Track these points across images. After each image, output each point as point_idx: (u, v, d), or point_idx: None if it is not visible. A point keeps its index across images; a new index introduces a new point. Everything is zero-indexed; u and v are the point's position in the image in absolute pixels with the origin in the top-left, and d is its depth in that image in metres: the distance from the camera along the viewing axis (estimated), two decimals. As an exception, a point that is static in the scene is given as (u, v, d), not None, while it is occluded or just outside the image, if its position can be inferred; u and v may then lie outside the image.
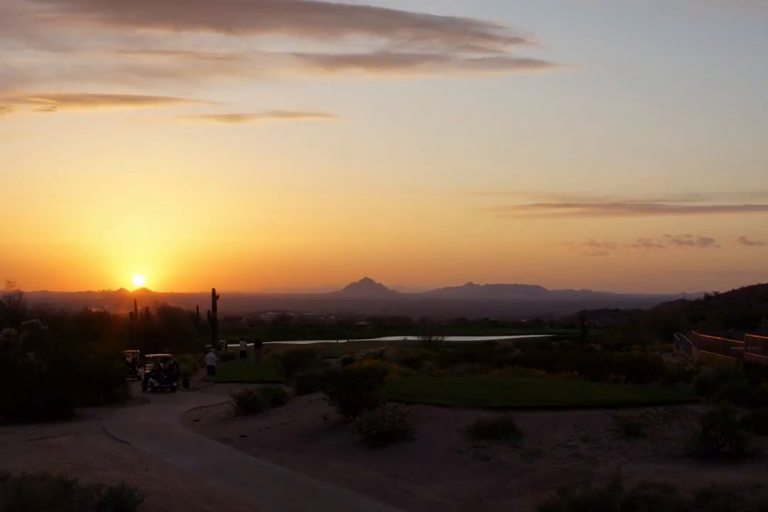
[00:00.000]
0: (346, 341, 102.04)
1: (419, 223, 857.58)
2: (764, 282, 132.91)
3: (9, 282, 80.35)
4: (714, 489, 14.63)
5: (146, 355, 51.81)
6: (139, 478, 18.68)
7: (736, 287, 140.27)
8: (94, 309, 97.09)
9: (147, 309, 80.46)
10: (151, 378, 46.01)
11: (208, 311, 71.87)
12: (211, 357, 56.90)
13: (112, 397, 37.94)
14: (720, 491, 14.58)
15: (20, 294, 77.42)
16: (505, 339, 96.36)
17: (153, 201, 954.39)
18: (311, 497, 18.22)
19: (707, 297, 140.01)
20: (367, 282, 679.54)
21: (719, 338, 68.03)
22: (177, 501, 17.83)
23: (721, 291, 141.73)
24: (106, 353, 42.09)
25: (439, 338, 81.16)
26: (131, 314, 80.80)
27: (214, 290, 69.01)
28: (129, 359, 55.60)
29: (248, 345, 65.65)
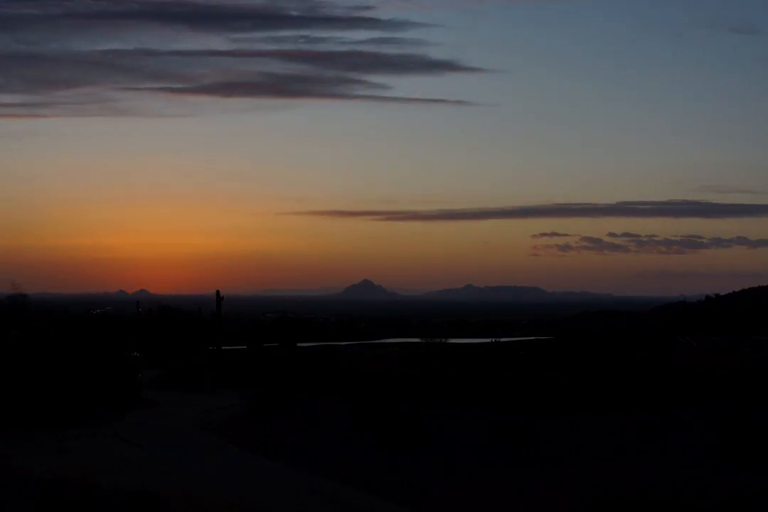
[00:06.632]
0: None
1: (414, 223, 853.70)
2: (764, 284, 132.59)
3: (13, 284, 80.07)
4: (745, 491, 14.56)
5: None
6: (159, 483, 18.53)
7: (737, 289, 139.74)
8: (95, 311, 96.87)
9: (150, 310, 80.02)
10: None
11: (212, 312, 71.42)
12: None
13: (121, 399, 37.66)
14: (751, 493, 14.51)
15: (24, 296, 77.22)
16: (506, 341, 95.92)
17: (153, 202, 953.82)
18: (329, 501, 18.02)
19: (708, 299, 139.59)
20: (366, 284, 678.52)
21: (723, 339, 68.12)
22: (197, 506, 17.67)
23: (722, 293, 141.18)
24: (112, 355, 41.80)
25: (442, 340, 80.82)
26: (134, 315, 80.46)
27: (218, 292, 68.45)
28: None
29: None
